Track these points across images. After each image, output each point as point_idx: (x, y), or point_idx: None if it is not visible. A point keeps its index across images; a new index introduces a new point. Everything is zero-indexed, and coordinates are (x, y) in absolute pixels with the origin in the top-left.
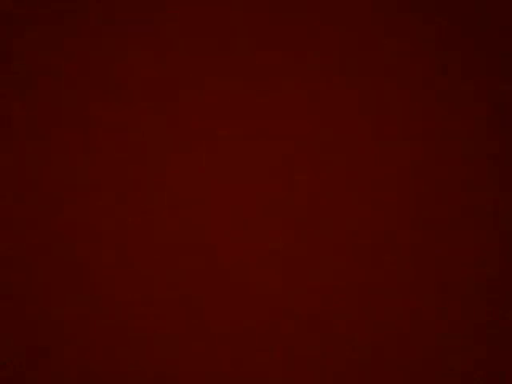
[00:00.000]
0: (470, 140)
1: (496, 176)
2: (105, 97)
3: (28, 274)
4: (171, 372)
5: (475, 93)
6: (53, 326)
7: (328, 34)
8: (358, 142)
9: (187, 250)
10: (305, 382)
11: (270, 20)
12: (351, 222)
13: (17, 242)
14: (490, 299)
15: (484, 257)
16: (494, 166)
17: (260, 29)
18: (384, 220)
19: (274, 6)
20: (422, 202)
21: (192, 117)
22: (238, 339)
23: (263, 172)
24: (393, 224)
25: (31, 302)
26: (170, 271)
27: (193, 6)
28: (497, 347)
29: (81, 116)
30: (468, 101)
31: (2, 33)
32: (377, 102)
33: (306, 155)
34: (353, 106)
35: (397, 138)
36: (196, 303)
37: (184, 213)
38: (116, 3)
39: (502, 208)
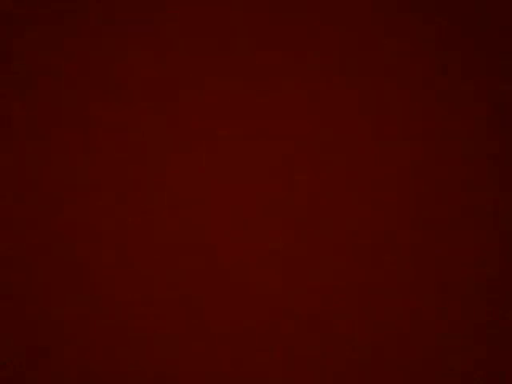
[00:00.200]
0: (470, 140)
1: (496, 176)
2: (105, 97)
3: (28, 274)
4: (171, 372)
5: (475, 93)
6: (53, 326)
7: (328, 34)
8: (358, 142)
9: (187, 250)
10: (305, 382)
11: (270, 20)
12: (351, 222)
13: (17, 242)
14: (490, 299)
15: (484, 257)
16: (493, 165)
17: (260, 29)
18: (384, 220)
19: (274, 6)
20: (422, 202)
21: (192, 117)
22: (237, 339)
23: (263, 172)
24: (393, 224)
25: (31, 301)
26: (169, 271)
27: (193, 5)
28: (497, 347)
29: (81, 116)
30: (468, 101)
31: (2, 33)
32: (377, 102)
33: (306, 155)
34: (353, 106)
35: (397, 138)
36: (196, 303)
37: (184, 213)
38: (116, 3)
39: (502, 208)
